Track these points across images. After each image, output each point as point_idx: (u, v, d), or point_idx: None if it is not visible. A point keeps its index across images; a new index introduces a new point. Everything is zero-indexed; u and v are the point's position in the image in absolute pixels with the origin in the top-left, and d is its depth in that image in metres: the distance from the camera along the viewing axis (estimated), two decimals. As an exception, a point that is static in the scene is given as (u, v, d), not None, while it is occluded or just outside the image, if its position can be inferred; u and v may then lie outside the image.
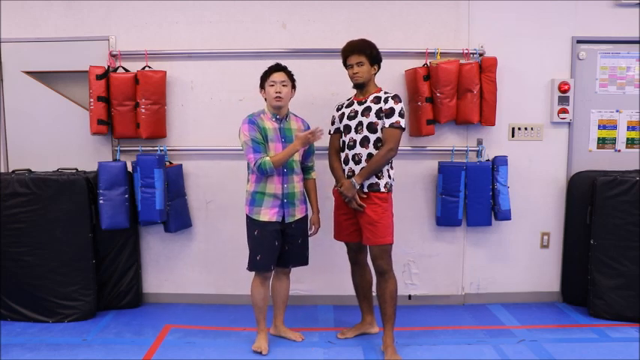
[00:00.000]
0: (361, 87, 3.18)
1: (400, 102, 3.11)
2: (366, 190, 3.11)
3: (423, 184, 3.85)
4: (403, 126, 3.10)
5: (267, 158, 3.04)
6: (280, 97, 3.09)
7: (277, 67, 3.16)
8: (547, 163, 3.89)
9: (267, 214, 3.12)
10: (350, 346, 3.27)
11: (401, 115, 3.09)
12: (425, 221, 3.88)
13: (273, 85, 3.10)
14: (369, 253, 3.22)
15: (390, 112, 3.08)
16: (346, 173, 3.17)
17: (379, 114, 3.09)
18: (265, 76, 3.15)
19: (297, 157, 3.16)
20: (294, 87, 3.20)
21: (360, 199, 3.10)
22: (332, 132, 3.30)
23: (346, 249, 3.38)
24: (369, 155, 3.10)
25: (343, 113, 3.22)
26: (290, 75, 3.17)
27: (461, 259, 3.95)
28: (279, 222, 3.14)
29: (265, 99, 3.17)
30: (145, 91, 3.63)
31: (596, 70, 3.88)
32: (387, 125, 3.08)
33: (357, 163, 3.12)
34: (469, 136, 3.85)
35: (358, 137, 3.11)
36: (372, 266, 3.22)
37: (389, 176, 3.15)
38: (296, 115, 3.27)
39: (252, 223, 3.16)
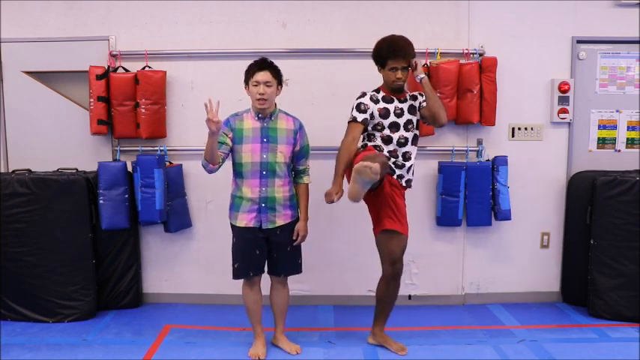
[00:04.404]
0: (401, 91, 3.11)
1: None
2: (404, 184, 3.12)
3: (423, 184, 3.84)
4: None
5: None
6: (264, 100, 2.89)
7: (261, 66, 2.91)
8: (547, 163, 3.89)
9: (244, 219, 2.98)
10: (350, 346, 3.27)
11: None
12: (425, 221, 3.88)
13: (256, 86, 2.89)
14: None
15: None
16: (399, 172, 3.08)
17: (418, 111, 3.17)
18: (249, 74, 2.93)
19: (282, 158, 2.97)
20: (280, 84, 2.97)
21: (397, 194, 3.08)
22: (359, 120, 3.01)
23: (394, 258, 3.05)
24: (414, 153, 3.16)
25: (387, 109, 3.04)
26: (276, 73, 2.93)
27: (461, 259, 3.95)
28: (257, 228, 2.98)
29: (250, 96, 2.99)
30: (145, 91, 3.63)
31: (596, 70, 3.88)
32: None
33: (407, 160, 3.10)
34: (469, 136, 3.85)
35: (409, 135, 3.10)
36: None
37: None
38: (287, 114, 3.05)
39: (232, 229, 3.05)
